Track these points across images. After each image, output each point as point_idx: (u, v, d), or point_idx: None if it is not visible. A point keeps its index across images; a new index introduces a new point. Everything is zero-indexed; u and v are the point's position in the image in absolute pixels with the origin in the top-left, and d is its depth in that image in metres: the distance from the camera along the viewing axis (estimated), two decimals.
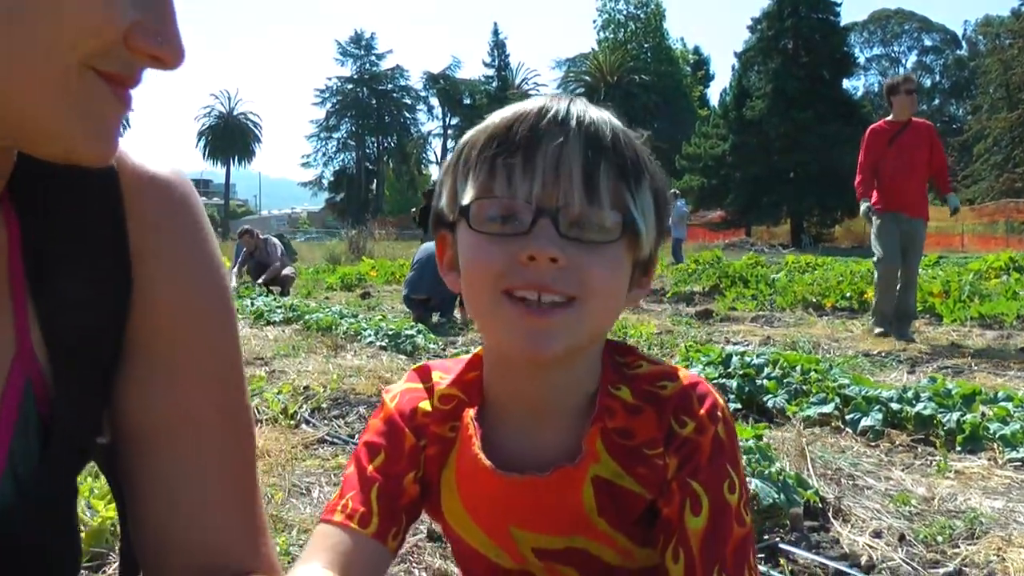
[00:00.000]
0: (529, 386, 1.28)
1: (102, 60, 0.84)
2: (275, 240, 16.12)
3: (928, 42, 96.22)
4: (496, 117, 1.23)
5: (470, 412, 1.33)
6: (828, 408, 4.62)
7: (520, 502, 1.29)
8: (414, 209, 13.46)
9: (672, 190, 26.60)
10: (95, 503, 2.93)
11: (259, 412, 4.87)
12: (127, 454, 1.09)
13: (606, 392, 1.29)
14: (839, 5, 55.10)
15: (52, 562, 1.04)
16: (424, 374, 1.43)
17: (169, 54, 0.88)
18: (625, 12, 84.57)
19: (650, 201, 1.22)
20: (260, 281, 14.87)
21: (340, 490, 1.34)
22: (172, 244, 1.09)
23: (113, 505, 2.88)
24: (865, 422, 4.40)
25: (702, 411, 1.26)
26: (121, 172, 1.04)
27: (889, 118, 8.62)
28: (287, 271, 15.64)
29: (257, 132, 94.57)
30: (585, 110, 1.20)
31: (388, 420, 1.38)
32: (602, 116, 1.21)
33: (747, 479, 3.00)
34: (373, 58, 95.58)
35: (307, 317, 9.65)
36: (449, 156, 1.30)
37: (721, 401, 1.29)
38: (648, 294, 1.32)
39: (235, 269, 15.75)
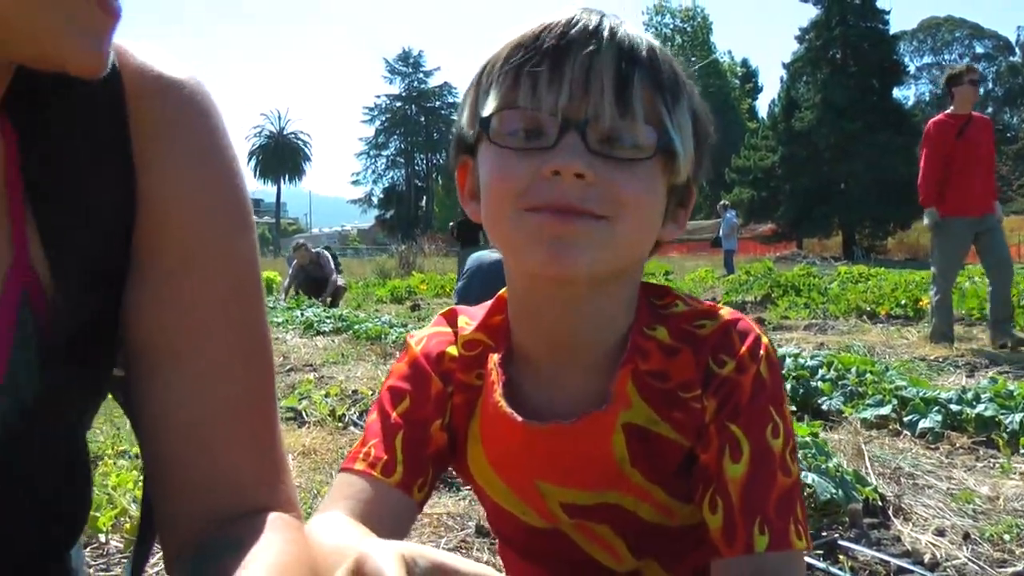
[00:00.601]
0: (556, 319, 1.18)
1: None
2: (326, 253, 16.17)
3: (980, 49, 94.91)
4: (522, 27, 1.14)
5: (494, 357, 1.25)
6: (885, 410, 4.51)
7: (545, 453, 1.21)
8: (452, 224, 13.38)
9: (723, 201, 26.51)
10: (140, 495, 2.91)
11: (307, 414, 4.87)
12: (137, 382, 1.02)
13: (639, 332, 1.20)
14: (888, 13, 54.55)
15: (60, 492, 1.00)
16: (451, 318, 1.36)
17: None
18: (672, 26, 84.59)
19: (688, 120, 1.13)
20: (321, 299, 14.90)
21: (363, 437, 1.26)
22: (180, 150, 1.01)
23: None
24: (924, 424, 4.28)
25: (743, 349, 1.18)
26: (124, 73, 0.98)
27: (950, 111, 8.12)
28: (340, 282, 15.71)
29: (307, 151, 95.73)
30: (620, 23, 1.11)
31: (413, 363, 1.30)
32: (638, 31, 1.12)
33: (804, 473, 2.94)
34: (421, 75, 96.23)
35: (356, 327, 9.65)
36: (473, 76, 1.20)
37: (765, 339, 1.20)
38: (682, 232, 1.25)
39: (285, 284, 15.91)
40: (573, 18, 1.09)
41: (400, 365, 1.32)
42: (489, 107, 1.11)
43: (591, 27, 1.08)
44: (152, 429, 1.00)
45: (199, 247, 1.01)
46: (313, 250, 16.08)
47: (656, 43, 1.13)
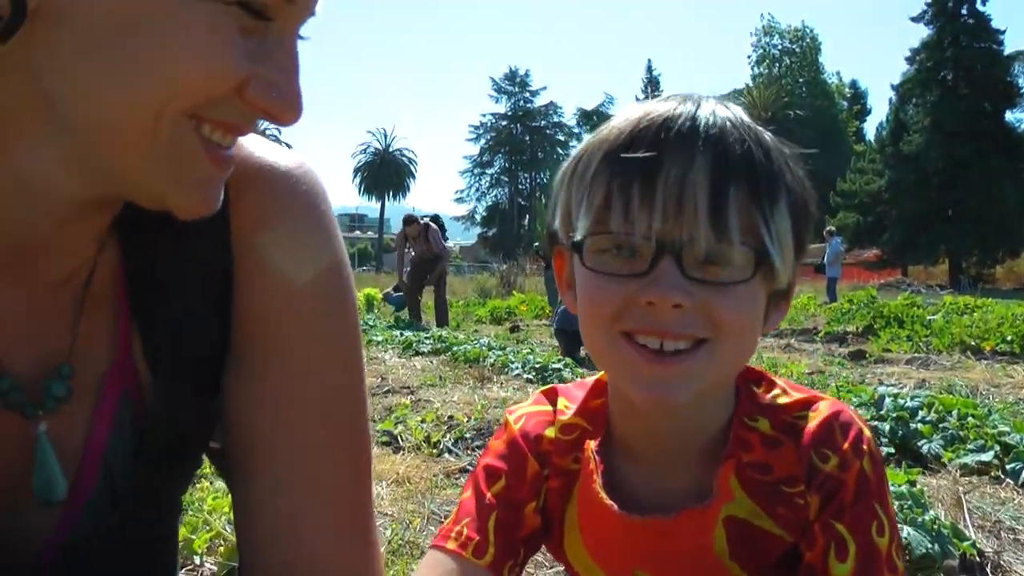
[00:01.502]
0: (655, 427, 1.19)
1: (209, 110, 0.83)
2: (434, 226, 15.12)
3: None
4: (614, 128, 1.09)
5: (592, 444, 1.24)
6: (987, 456, 4.38)
7: (645, 545, 1.20)
8: (536, 244, 13.09)
9: (829, 227, 25.96)
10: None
11: (402, 439, 4.92)
12: (235, 460, 1.06)
13: (741, 424, 1.19)
14: (1003, 33, 53.33)
15: (144, 571, 1.04)
16: (552, 397, 1.34)
17: (284, 110, 0.86)
18: (780, 47, 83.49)
19: (787, 225, 1.07)
20: (425, 283, 14.61)
21: (455, 515, 1.26)
22: (280, 240, 1.03)
23: None
24: None
25: (846, 444, 1.15)
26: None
27: None
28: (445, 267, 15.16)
29: (412, 168, 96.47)
30: (713, 117, 1.05)
31: (511, 443, 1.30)
32: (733, 121, 1.06)
33: (899, 526, 2.89)
34: (527, 95, 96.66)
35: (455, 348, 9.73)
36: (565, 164, 1.16)
37: (867, 432, 1.18)
38: (783, 318, 1.21)
39: (402, 270, 15.63)
40: (667, 119, 1.05)
41: (498, 443, 1.32)
42: (581, 228, 1.08)
43: (685, 131, 1.03)
44: (247, 512, 1.05)
45: (295, 337, 1.04)
46: (421, 222, 15.08)
47: (753, 134, 1.07)
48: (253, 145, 1.05)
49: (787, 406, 1.22)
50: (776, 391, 1.25)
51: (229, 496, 3.18)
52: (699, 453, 1.20)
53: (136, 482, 0.99)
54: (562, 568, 1.37)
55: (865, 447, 1.16)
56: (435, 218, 15.52)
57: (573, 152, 1.16)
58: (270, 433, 1.03)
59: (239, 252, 1.03)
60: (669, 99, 1.10)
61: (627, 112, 1.11)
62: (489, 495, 1.25)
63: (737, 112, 1.09)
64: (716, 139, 1.03)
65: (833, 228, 27.18)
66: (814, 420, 1.18)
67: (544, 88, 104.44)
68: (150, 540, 1.05)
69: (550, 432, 1.29)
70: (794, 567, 1.17)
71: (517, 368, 8.28)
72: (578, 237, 1.08)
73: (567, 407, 1.31)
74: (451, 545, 1.22)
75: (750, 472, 1.17)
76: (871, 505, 1.13)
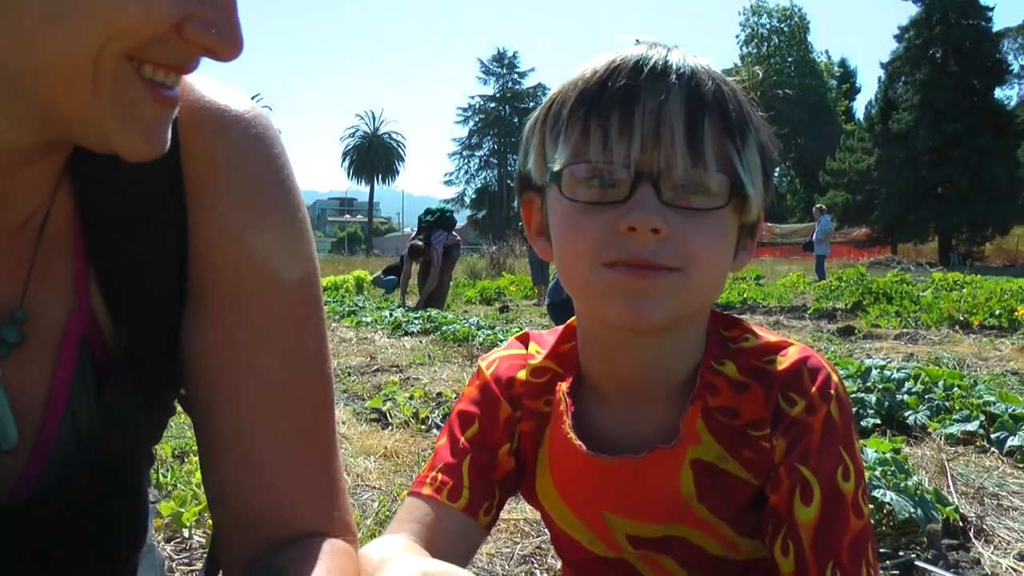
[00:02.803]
0: (627, 359, 1.19)
1: (149, 51, 0.82)
2: (436, 244, 14.53)
3: None
4: (587, 69, 1.12)
5: (563, 386, 1.25)
6: (972, 426, 4.40)
7: (613, 486, 1.21)
8: (522, 223, 12.91)
9: (819, 205, 25.94)
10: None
11: (390, 416, 4.93)
12: (198, 406, 1.06)
13: (709, 368, 1.20)
14: (991, 10, 53.14)
15: (114, 519, 1.04)
16: (524, 340, 1.36)
17: (224, 46, 0.85)
18: (768, 26, 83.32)
19: (757, 158, 1.11)
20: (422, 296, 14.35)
21: (430, 461, 1.28)
22: (234, 185, 1.03)
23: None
24: (1012, 441, 4.17)
25: (813, 388, 1.15)
26: (180, 109, 0.98)
27: None
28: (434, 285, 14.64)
29: (400, 151, 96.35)
30: (684, 60, 1.09)
31: (483, 387, 1.31)
32: (702, 65, 1.11)
33: (882, 491, 2.91)
34: (516, 76, 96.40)
35: (444, 328, 9.74)
36: (535, 112, 1.20)
37: (835, 377, 1.18)
38: (752, 257, 1.24)
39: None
40: (640, 60, 1.09)
41: (471, 389, 1.33)
42: (559, 160, 1.11)
43: (659, 69, 1.07)
44: (212, 457, 1.05)
45: (250, 281, 1.04)
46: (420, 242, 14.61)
47: (720, 75, 1.12)
48: (204, 88, 1.04)
49: (755, 350, 1.23)
50: (747, 335, 1.25)
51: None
52: (668, 395, 1.21)
53: (100, 430, 0.99)
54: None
55: (832, 392, 1.16)
56: (441, 218, 15.01)
57: (543, 102, 1.19)
58: (231, 376, 1.03)
59: (192, 197, 1.02)
60: (639, 45, 1.12)
61: (599, 57, 1.14)
62: (463, 440, 1.27)
63: (704, 60, 1.13)
64: (689, 77, 1.07)
65: (823, 206, 27.13)
66: (782, 364, 1.19)
67: (532, 70, 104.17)
68: (118, 489, 1.04)
69: (521, 375, 1.31)
70: (761, 511, 1.18)
71: None
72: (556, 167, 1.11)
73: (538, 351, 1.33)
74: (426, 491, 1.23)
75: (717, 416, 1.18)
76: (837, 450, 1.14)
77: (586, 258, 1.09)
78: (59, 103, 0.82)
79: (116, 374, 1.00)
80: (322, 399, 1.09)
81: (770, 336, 1.25)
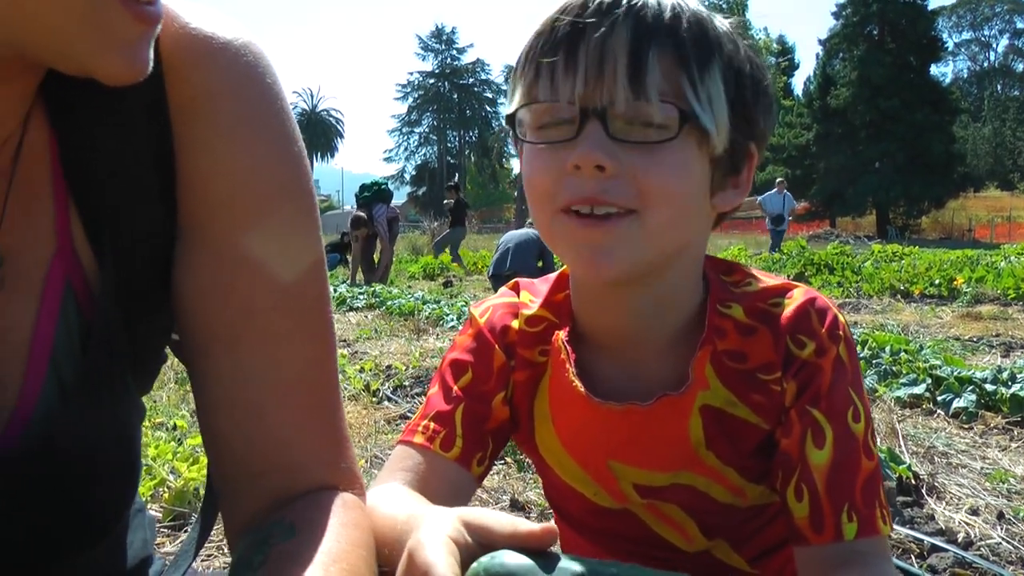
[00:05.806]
0: (615, 308, 1.16)
1: None
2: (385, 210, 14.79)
3: (1021, 24, 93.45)
4: (547, 13, 1.09)
5: (561, 335, 1.21)
6: (919, 389, 4.48)
7: (620, 434, 1.18)
8: (446, 202, 12.87)
9: (779, 179, 25.86)
10: (178, 465, 2.97)
11: (342, 388, 4.85)
12: (195, 359, 0.99)
13: (715, 311, 1.17)
14: None
15: (102, 472, 0.97)
16: (516, 290, 1.33)
17: None
18: (707, 3, 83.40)
19: (719, 88, 1.05)
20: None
21: (422, 410, 1.24)
22: (223, 120, 0.95)
23: (196, 467, 2.94)
24: (958, 403, 4.25)
25: (823, 330, 1.14)
26: (163, 41, 0.91)
27: None
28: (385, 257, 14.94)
29: (339, 128, 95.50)
30: None
31: (477, 335, 1.27)
32: None
33: None
34: (454, 52, 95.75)
35: (389, 303, 9.69)
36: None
37: (842, 318, 1.17)
38: (744, 197, 1.17)
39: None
40: None
41: (463, 337, 1.29)
42: (514, 103, 1.09)
43: (606, 4, 1.03)
44: (211, 407, 0.99)
45: (246, 220, 0.97)
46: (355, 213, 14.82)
47: (683, 6, 1.06)
48: (188, 14, 0.96)
49: (760, 292, 1.20)
50: (749, 279, 1.23)
51: (171, 444, 3.17)
52: (671, 342, 1.18)
53: (86, 379, 0.92)
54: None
55: (841, 332, 1.15)
56: (379, 192, 15.08)
57: None
58: (228, 320, 0.96)
59: (178, 130, 0.94)
60: None
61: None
62: (456, 388, 1.24)
63: None
64: (639, 8, 1.03)
65: (784, 181, 27.04)
66: (790, 306, 1.17)
67: (471, 45, 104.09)
68: (107, 442, 0.97)
69: (515, 323, 1.27)
70: (770, 456, 1.16)
71: (452, 320, 8.26)
72: (510, 110, 1.09)
73: (532, 300, 1.29)
74: (418, 439, 1.20)
75: (725, 360, 1.16)
76: (846, 391, 1.13)
77: (545, 203, 1.07)
78: (30, 19, 0.75)
79: (101, 319, 0.93)
80: (324, 344, 1.03)
81: (771, 279, 1.23)
